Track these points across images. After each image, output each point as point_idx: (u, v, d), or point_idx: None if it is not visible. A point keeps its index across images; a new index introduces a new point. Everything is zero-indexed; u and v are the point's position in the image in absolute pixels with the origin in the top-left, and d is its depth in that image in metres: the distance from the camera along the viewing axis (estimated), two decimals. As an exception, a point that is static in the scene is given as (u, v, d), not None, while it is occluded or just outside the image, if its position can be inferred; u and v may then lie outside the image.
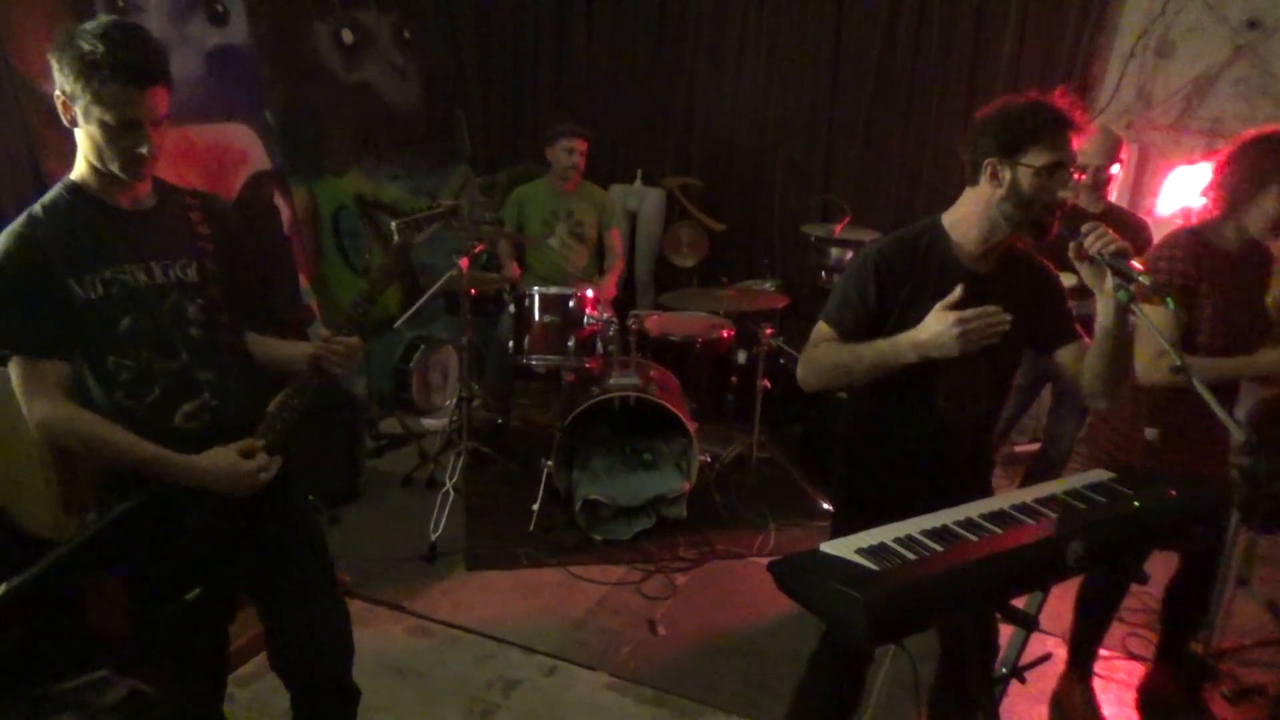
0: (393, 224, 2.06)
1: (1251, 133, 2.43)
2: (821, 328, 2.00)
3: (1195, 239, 2.46)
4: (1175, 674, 2.94)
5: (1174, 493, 1.80)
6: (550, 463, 3.86)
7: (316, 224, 4.81)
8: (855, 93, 5.16)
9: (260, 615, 2.02)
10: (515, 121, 5.98)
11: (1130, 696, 2.95)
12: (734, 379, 4.64)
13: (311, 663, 2.02)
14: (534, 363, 4.04)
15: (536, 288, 4.02)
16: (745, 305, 4.37)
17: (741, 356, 4.66)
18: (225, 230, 1.91)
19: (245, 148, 4.32)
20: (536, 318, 4.00)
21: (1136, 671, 3.06)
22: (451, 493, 3.86)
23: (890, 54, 5.05)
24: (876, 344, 1.89)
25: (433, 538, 3.66)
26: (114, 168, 1.72)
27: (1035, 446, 4.42)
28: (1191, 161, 4.43)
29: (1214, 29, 4.50)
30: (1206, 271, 2.44)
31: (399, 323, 4.41)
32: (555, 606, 3.34)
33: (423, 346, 4.99)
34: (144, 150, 1.70)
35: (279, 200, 4.48)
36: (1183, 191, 4.35)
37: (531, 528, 3.79)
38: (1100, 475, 1.89)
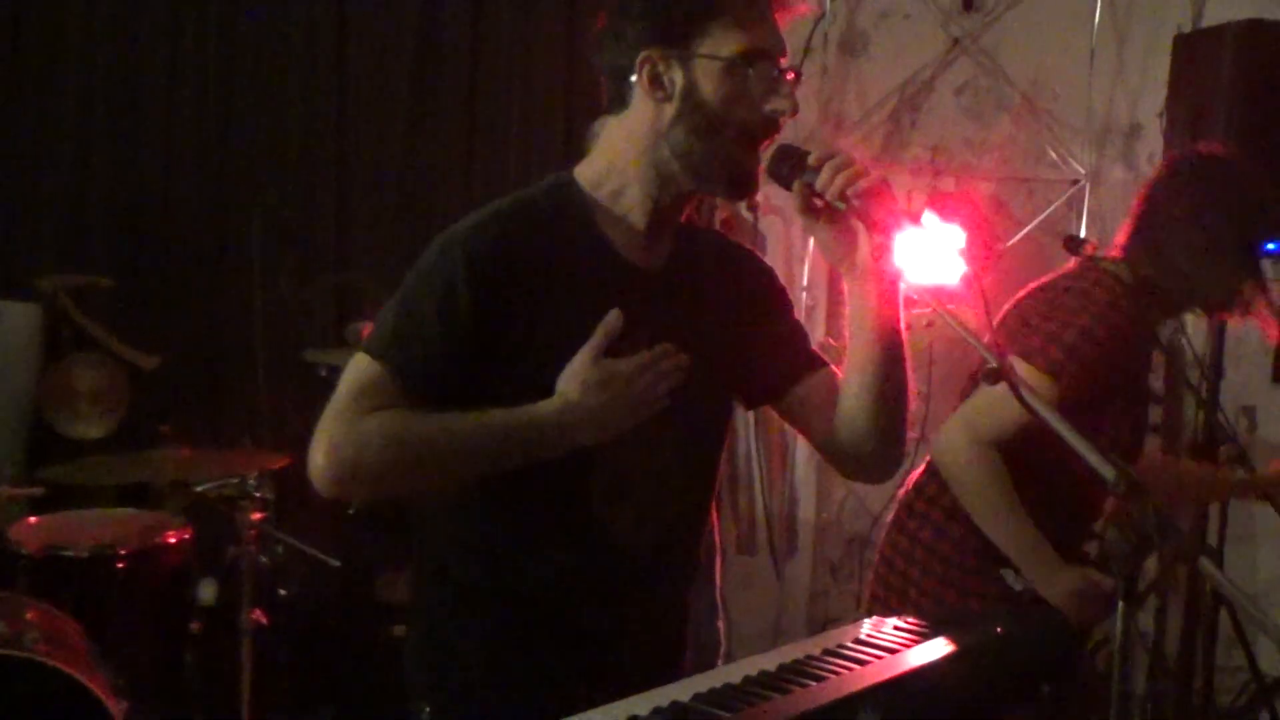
0: None
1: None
2: (367, 368, 1.85)
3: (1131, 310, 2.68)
4: None
5: (1001, 629, 1.88)
6: None
7: None
8: (373, 98, 5.40)
9: None
10: None
11: None
12: (197, 624, 4.38)
13: None
14: None
15: None
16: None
17: (208, 592, 4.42)
18: None
19: None
20: None
21: None
22: None
23: (436, 25, 5.35)
24: (497, 417, 1.82)
25: None
26: None
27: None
28: (912, 212, 5.02)
29: (919, 11, 5.14)
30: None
31: None
32: None
33: None
34: None
35: None
36: (914, 254, 4.90)
37: None
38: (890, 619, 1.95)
